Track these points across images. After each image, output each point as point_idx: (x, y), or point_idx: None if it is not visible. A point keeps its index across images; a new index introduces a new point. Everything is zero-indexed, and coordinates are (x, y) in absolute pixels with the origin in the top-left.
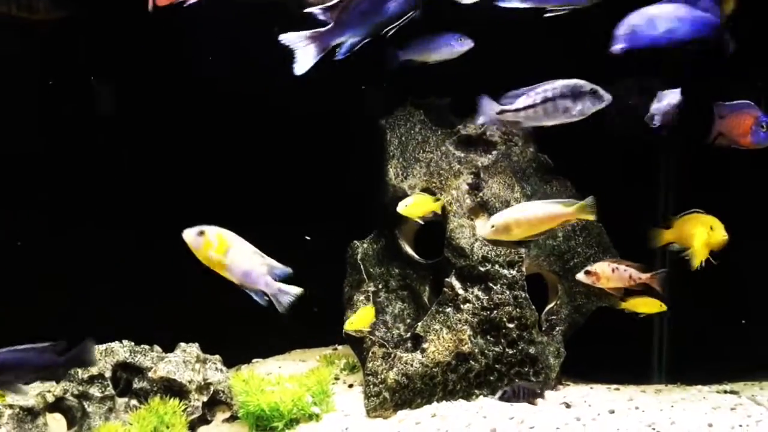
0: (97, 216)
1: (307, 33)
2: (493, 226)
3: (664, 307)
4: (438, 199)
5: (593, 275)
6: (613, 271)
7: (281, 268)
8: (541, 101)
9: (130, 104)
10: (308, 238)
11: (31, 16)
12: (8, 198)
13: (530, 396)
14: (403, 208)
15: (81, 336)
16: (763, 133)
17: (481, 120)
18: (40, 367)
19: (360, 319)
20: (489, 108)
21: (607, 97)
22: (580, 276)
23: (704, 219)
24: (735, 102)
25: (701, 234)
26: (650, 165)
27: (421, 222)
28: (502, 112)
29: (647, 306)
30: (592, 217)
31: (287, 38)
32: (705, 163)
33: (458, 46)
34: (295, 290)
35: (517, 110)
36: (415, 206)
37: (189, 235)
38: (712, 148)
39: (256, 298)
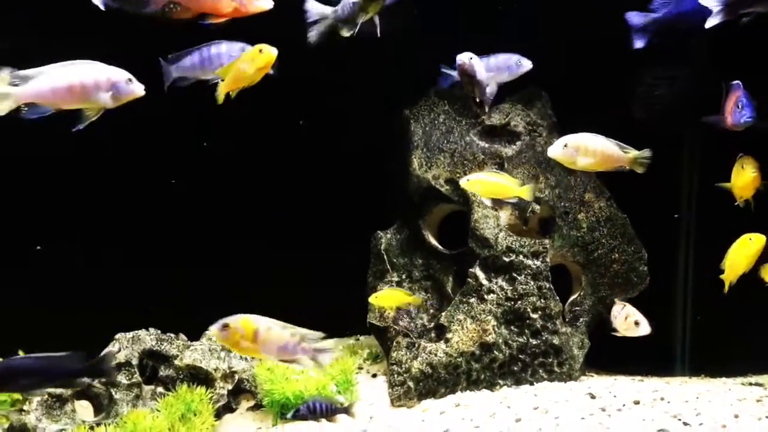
0: (124, 206)
1: None
2: (566, 145)
3: None
4: None
5: None
6: None
7: (312, 334)
8: None
9: None
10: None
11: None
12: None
13: (330, 413)
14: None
15: (108, 325)
16: (738, 114)
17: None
18: (60, 376)
19: (385, 297)
20: None
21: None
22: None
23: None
24: (732, 82)
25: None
26: (675, 155)
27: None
28: None
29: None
30: (641, 170)
31: None
32: (728, 154)
33: (517, 69)
34: (329, 344)
35: None
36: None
37: (215, 331)
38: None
39: (300, 365)
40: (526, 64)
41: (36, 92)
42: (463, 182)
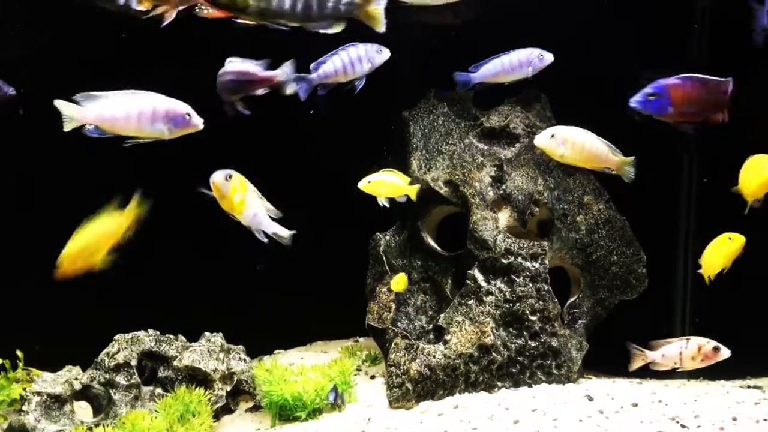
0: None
1: None
2: (553, 135)
3: None
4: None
5: None
6: None
7: (274, 210)
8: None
9: None
10: None
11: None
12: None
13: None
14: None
15: (106, 325)
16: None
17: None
18: None
19: (397, 282)
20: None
21: None
22: None
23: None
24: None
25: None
26: (673, 158)
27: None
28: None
29: None
30: (627, 177)
31: None
32: (727, 157)
33: (539, 63)
34: (288, 232)
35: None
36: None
37: (218, 178)
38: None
39: (258, 236)
40: (549, 57)
41: (96, 116)
42: (363, 184)
